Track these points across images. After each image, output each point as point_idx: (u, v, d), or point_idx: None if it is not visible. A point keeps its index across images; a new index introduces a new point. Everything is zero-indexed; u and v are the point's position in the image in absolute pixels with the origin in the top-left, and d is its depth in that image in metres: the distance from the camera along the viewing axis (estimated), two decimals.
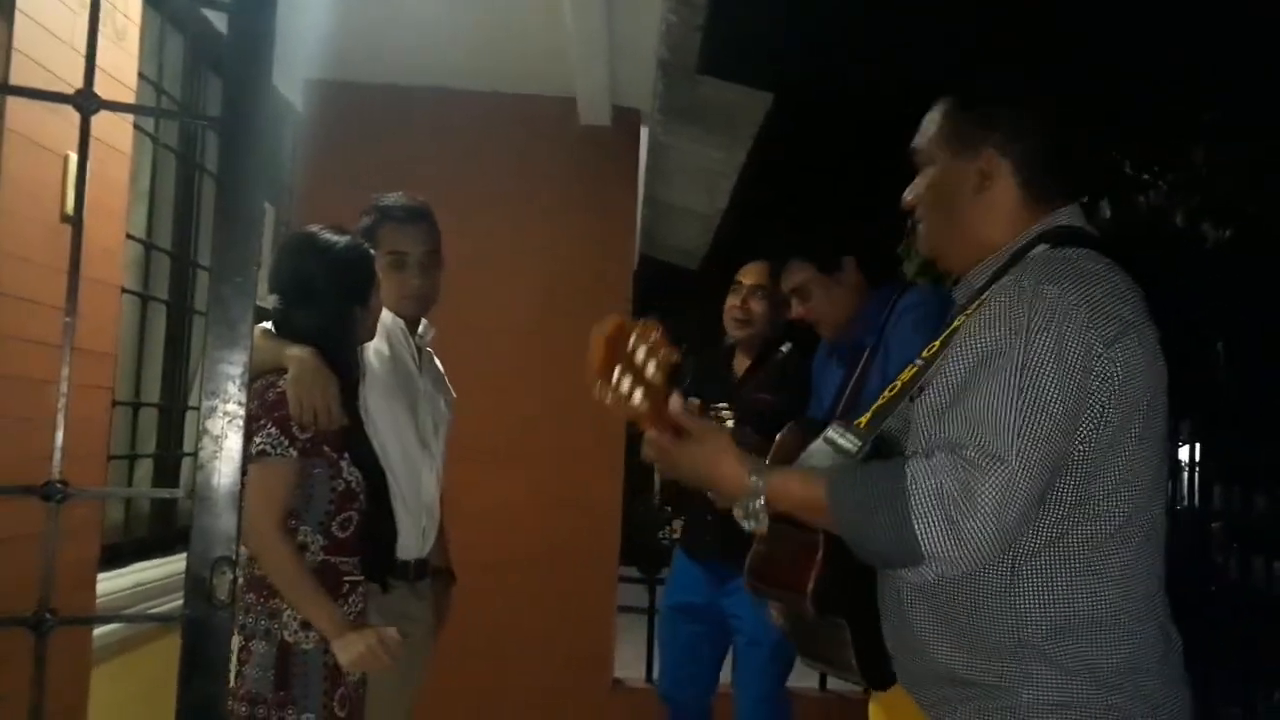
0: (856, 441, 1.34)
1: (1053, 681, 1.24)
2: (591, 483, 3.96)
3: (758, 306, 3.02)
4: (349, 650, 1.89)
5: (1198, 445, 5.16)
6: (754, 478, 1.30)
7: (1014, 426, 1.19)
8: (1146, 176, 6.40)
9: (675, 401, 1.32)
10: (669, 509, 3.58)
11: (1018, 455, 1.18)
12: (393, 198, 2.38)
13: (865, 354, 2.36)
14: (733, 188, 4.88)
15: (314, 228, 2.10)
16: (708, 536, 2.92)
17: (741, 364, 3.09)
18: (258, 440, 1.89)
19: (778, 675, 3.05)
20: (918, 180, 1.47)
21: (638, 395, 1.26)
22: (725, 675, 3.18)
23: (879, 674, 1.47)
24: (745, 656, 3.03)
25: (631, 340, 1.26)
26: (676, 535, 3.26)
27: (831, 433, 1.37)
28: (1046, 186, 1.38)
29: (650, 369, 1.27)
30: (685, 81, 3.75)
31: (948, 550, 1.17)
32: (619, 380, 1.25)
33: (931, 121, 1.45)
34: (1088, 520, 1.25)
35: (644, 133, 4.25)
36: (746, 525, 1.32)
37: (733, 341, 3.12)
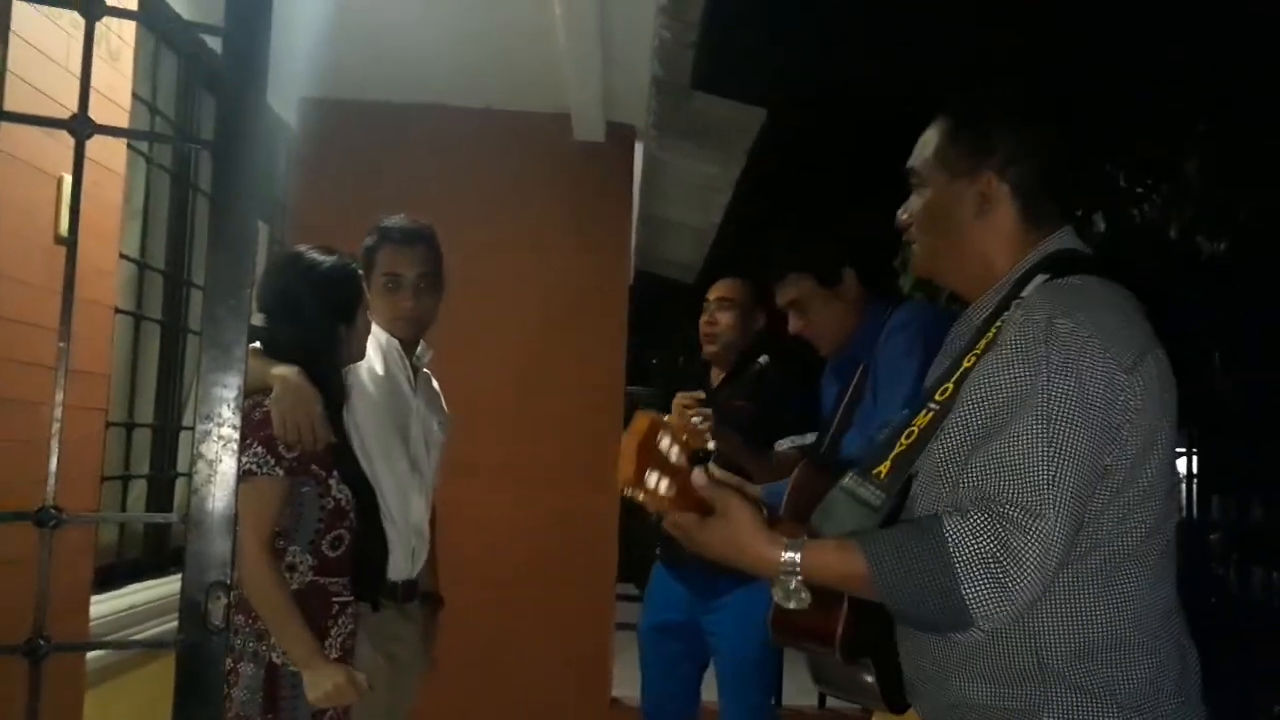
0: (879, 494, 1.30)
1: (1075, 705, 1.22)
2: (588, 499, 3.94)
3: (724, 318, 3.04)
4: (316, 687, 1.88)
5: (1195, 457, 5.17)
6: (788, 554, 1.25)
7: (1045, 477, 1.17)
8: (1140, 190, 6.42)
9: (698, 475, 1.29)
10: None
11: (1053, 505, 1.16)
12: (395, 220, 2.38)
13: (859, 370, 2.34)
14: (727, 202, 4.90)
15: (301, 247, 2.11)
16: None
17: (717, 377, 3.10)
18: (244, 460, 1.87)
19: (763, 688, 3.05)
20: (912, 200, 1.44)
21: (664, 485, 1.24)
22: (712, 693, 3.16)
23: (901, 699, 1.46)
24: (727, 672, 3.01)
25: (659, 436, 1.25)
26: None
27: (850, 483, 1.33)
28: (1044, 209, 1.37)
29: (674, 454, 1.25)
30: (679, 98, 3.77)
31: (997, 609, 1.16)
32: (648, 478, 1.24)
33: (927, 141, 1.42)
34: (1106, 542, 1.24)
35: (639, 148, 4.26)
36: (789, 605, 1.27)
37: (706, 358, 3.13)
